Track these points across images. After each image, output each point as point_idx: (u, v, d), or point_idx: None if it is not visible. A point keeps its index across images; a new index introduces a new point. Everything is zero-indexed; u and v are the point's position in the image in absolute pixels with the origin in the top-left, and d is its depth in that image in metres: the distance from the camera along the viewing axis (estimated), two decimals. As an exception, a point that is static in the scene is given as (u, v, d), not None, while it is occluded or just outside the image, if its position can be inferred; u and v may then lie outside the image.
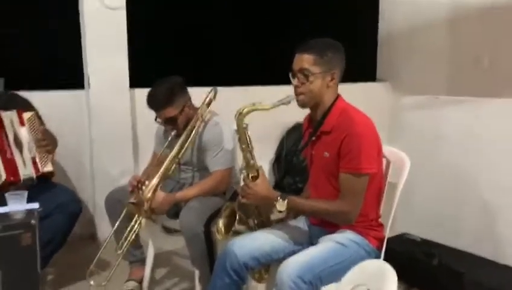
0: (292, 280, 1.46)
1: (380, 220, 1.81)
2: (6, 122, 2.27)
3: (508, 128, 2.44)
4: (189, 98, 2.24)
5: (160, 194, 2.05)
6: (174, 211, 2.18)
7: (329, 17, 4.00)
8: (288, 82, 1.76)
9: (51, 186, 2.38)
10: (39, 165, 2.32)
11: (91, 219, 3.17)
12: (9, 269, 1.56)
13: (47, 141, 2.37)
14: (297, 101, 1.72)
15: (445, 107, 2.80)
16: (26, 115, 2.36)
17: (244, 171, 1.81)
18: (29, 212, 1.59)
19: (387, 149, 1.83)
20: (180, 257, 2.82)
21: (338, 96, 1.75)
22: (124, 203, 2.07)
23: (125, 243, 2.08)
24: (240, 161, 1.97)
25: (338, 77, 1.73)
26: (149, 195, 2.01)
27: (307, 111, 1.83)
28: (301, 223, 1.86)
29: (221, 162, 2.18)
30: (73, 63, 3.08)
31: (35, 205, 1.63)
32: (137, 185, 2.05)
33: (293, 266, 1.50)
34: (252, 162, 1.79)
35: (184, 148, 2.13)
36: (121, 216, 2.10)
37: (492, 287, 2.22)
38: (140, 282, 2.39)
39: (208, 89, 2.27)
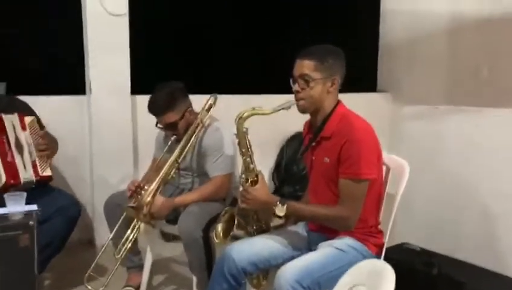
0: (290, 284, 1.46)
1: (379, 227, 1.81)
2: (8, 126, 2.28)
3: (508, 138, 2.45)
4: (190, 104, 2.24)
5: (160, 199, 2.05)
6: (173, 216, 2.17)
7: (331, 28, 4.04)
8: (288, 91, 1.76)
9: (50, 190, 2.38)
10: (39, 169, 2.33)
11: (90, 225, 3.16)
12: (7, 270, 1.55)
13: (47, 146, 2.38)
14: (298, 106, 1.73)
15: (445, 116, 2.81)
16: (28, 119, 2.37)
17: (243, 175, 1.81)
18: (28, 213, 1.58)
19: (387, 156, 1.83)
20: (178, 263, 2.80)
21: (338, 102, 1.76)
22: (123, 207, 2.07)
23: (124, 248, 2.07)
24: (240, 168, 1.97)
25: (338, 83, 1.73)
26: (148, 199, 2.00)
27: (307, 118, 1.84)
28: (300, 229, 1.85)
29: (221, 167, 2.18)
30: (75, 68, 3.10)
31: (34, 207, 1.62)
32: (135, 190, 2.05)
33: (291, 270, 1.50)
34: (251, 166, 1.79)
35: (184, 153, 2.13)
36: (120, 220, 2.09)
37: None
38: (138, 288, 2.37)
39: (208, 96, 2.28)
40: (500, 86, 3.71)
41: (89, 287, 2.11)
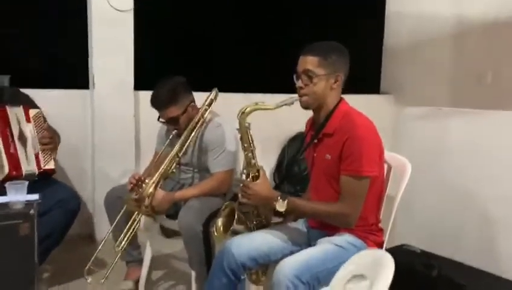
0: (289, 279, 1.45)
1: (379, 225, 1.80)
2: (12, 118, 2.29)
3: (510, 141, 2.45)
4: (193, 99, 2.25)
5: (160, 192, 2.05)
6: (173, 211, 2.18)
7: (334, 28, 4.04)
8: (290, 90, 1.76)
9: (51, 183, 2.38)
10: (41, 162, 2.33)
11: (90, 219, 3.17)
12: (7, 259, 1.55)
13: (51, 139, 2.39)
14: (301, 102, 1.72)
15: (448, 119, 2.81)
16: (32, 112, 2.38)
17: (245, 170, 1.81)
18: (29, 203, 1.59)
19: (388, 154, 1.83)
20: (178, 260, 2.80)
21: (341, 99, 1.76)
22: (125, 199, 2.07)
23: (124, 240, 2.07)
24: (241, 164, 1.97)
25: (342, 80, 1.73)
26: (150, 190, 2.00)
27: (309, 117, 1.83)
28: (300, 225, 1.85)
29: (222, 163, 2.18)
30: (79, 62, 3.11)
31: (35, 196, 1.63)
32: (137, 183, 2.05)
33: (290, 265, 1.49)
34: (253, 161, 1.79)
35: (185, 148, 2.13)
36: (121, 212, 2.09)
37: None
38: (137, 282, 2.37)
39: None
40: (504, 89, 3.70)
41: (89, 279, 2.11)
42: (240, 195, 1.75)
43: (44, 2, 3.24)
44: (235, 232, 1.82)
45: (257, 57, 4.05)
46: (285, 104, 1.73)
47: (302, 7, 4.28)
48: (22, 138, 2.29)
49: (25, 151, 2.29)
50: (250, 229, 1.84)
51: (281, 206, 1.66)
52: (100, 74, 3.06)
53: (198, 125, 2.17)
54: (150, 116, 2.32)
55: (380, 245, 1.74)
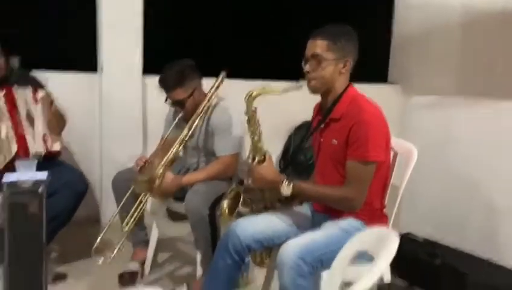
0: (293, 260, 1.46)
1: (384, 210, 1.81)
2: (20, 99, 2.31)
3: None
4: (200, 83, 2.26)
5: (170, 175, 2.08)
6: (181, 194, 2.19)
7: (343, 16, 4.00)
8: (297, 77, 1.76)
9: (58, 165, 2.40)
10: (48, 143, 2.36)
11: (97, 202, 3.20)
12: (16, 235, 1.58)
13: (58, 121, 2.40)
14: (309, 86, 1.73)
15: (455, 108, 2.80)
16: (40, 93, 2.39)
17: (251, 154, 1.82)
18: (37, 181, 1.61)
19: (395, 140, 1.83)
20: (184, 243, 2.84)
21: (349, 85, 1.76)
22: (135, 179, 2.08)
23: (131, 220, 2.09)
24: (247, 149, 1.99)
25: (351, 64, 1.73)
26: (160, 171, 2.02)
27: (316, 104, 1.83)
28: (305, 209, 1.87)
29: (228, 147, 2.19)
30: (88, 46, 3.12)
31: (44, 175, 1.65)
32: (144, 165, 2.07)
33: (294, 246, 1.51)
34: (259, 145, 1.80)
35: (192, 130, 2.14)
36: (128, 193, 2.12)
37: (495, 289, 2.21)
38: (143, 263, 2.41)
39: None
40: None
41: (101, 260, 2.14)
42: (246, 178, 1.76)
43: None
44: (241, 215, 1.83)
45: (266, 43, 4.03)
46: (293, 89, 1.73)
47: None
48: (30, 119, 2.32)
49: (32, 132, 2.31)
50: (255, 213, 1.86)
51: (286, 189, 1.67)
52: (108, 57, 3.07)
53: (205, 109, 2.18)
54: (158, 101, 2.34)
55: (384, 230, 1.75)
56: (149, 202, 2.29)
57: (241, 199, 1.82)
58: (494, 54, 3.81)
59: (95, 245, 2.15)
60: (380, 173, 1.70)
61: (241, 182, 2.13)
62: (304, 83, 1.73)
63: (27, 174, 1.62)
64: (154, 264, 2.49)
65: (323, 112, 1.80)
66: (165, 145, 2.24)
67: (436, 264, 2.38)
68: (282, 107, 3.34)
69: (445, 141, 2.82)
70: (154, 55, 3.25)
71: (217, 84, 2.20)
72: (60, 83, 2.80)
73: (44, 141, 2.34)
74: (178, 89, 2.15)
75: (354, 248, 1.06)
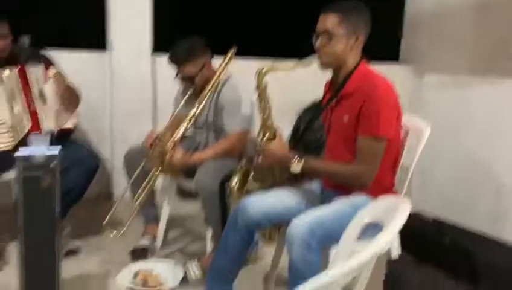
0: (302, 235, 1.47)
1: (394, 188, 1.80)
2: (32, 77, 2.32)
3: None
4: (210, 59, 2.25)
5: (180, 150, 2.09)
6: (191, 172, 2.21)
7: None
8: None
9: (69, 143, 2.42)
10: (61, 121, 2.37)
11: (108, 180, 3.23)
12: (30, 209, 1.60)
13: (70, 98, 2.41)
14: (320, 62, 1.71)
15: (469, 88, 2.76)
16: (52, 71, 2.40)
17: (261, 131, 1.82)
18: (50, 155, 1.63)
19: (406, 117, 1.81)
20: (194, 221, 2.86)
21: (361, 60, 1.73)
22: (147, 152, 2.08)
23: (143, 195, 2.12)
24: (256, 127, 1.98)
25: (362, 40, 1.71)
26: (172, 145, 2.04)
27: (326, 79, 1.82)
28: (315, 186, 1.87)
29: (237, 123, 2.19)
30: (98, 24, 3.11)
31: (56, 150, 1.66)
32: (154, 140, 2.09)
33: (304, 222, 1.51)
34: (269, 122, 1.80)
35: (202, 106, 2.14)
36: (139, 168, 2.14)
37: (504, 269, 2.20)
38: (154, 239, 2.44)
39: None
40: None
41: (113, 233, 2.18)
42: (256, 155, 1.76)
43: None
44: (250, 192, 1.84)
45: (276, 20, 3.99)
46: (304, 65, 1.72)
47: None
48: (42, 97, 2.33)
49: (45, 110, 2.33)
50: (264, 190, 1.86)
51: (296, 166, 1.67)
52: (119, 36, 3.06)
53: (214, 85, 2.17)
54: (168, 79, 2.33)
55: (394, 208, 1.74)
56: (160, 180, 2.31)
57: (251, 176, 1.82)
58: (509, 32, 3.72)
59: (106, 219, 2.18)
60: (391, 149, 1.68)
61: (250, 159, 2.13)
62: (314, 59, 1.71)
63: (40, 149, 1.64)
64: (165, 240, 2.52)
65: (334, 88, 1.78)
66: (175, 121, 2.25)
67: (446, 243, 2.39)
68: (291, 87, 3.32)
69: (458, 121, 2.79)
70: (164, 34, 3.23)
71: (226, 60, 2.19)
72: (70, 62, 2.79)
73: (56, 118, 2.36)
74: (188, 63, 2.15)
75: (364, 219, 1.05)
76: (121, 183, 2.81)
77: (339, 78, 1.74)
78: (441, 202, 2.76)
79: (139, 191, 2.14)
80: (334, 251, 1.51)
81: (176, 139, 2.06)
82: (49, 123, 2.32)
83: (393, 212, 0.82)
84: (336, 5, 1.67)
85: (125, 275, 1.78)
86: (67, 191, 2.25)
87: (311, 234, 1.47)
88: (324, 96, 1.89)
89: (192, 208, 2.92)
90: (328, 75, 1.83)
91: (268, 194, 1.79)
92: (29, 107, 2.29)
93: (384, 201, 1.06)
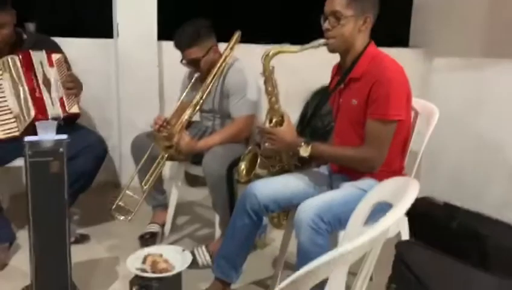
0: (311, 218, 1.46)
1: (403, 172, 1.78)
2: (36, 62, 2.32)
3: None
4: (215, 43, 2.23)
5: (186, 135, 2.08)
6: (198, 158, 2.20)
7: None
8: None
9: (77, 129, 2.42)
10: (66, 106, 2.37)
11: (116, 168, 3.25)
12: (39, 195, 1.61)
13: (74, 84, 2.41)
14: (328, 45, 1.68)
15: (480, 71, 2.70)
16: (55, 56, 2.40)
17: (268, 116, 1.80)
18: (58, 141, 1.63)
19: (416, 100, 1.78)
20: (202, 207, 2.88)
21: (370, 42, 1.70)
22: (155, 134, 2.08)
23: (151, 180, 2.12)
24: (263, 111, 1.97)
25: (371, 21, 1.67)
26: (179, 129, 2.03)
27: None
28: (323, 170, 1.85)
29: (244, 108, 2.17)
30: (104, 11, 3.09)
31: (64, 136, 1.66)
32: (162, 124, 2.08)
33: (312, 205, 1.50)
34: (276, 106, 1.78)
35: (208, 90, 2.13)
36: (147, 153, 2.14)
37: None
38: (163, 226, 2.46)
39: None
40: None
41: (121, 217, 2.18)
42: (263, 140, 1.75)
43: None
44: (258, 177, 1.83)
45: (281, 7, 3.95)
46: (311, 47, 1.69)
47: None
48: (46, 82, 2.33)
49: (50, 95, 2.32)
50: (272, 174, 1.86)
51: (304, 151, 1.66)
52: (124, 23, 3.04)
53: (220, 69, 2.15)
54: (174, 66, 2.32)
55: (403, 192, 1.72)
56: (168, 167, 2.31)
57: (259, 161, 1.81)
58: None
59: (115, 205, 2.19)
60: (401, 132, 1.66)
61: (258, 144, 2.12)
62: (322, 42, 1.68)
63: (48, 135, 1.64)
64: (174, 226, 2.54)
65: (342, 71, 1.76)
66: (181, 107, 2.23)
67: (456, 227, 2.36)
68: (298, 73, 3.29)
69: (469, 104, 2.74)
70: (169, 21, 3.21)
71: (231, 44, 2.16)
72: (76, 49, 2.80)
73: (62, 103, 2.36)
74: (193, 47, 2.13)
75: (373, 199, 1.04)
76: (128, 171, 2.81)
77: (347, 61, 1.71)
78: (450, 186, 2.73)
79: (148, 176, 2.14)
80: (343, 234, 1.50)
81: (183, 121, 2.05)
82: (54, 108, 2.32)
83: (402, 193, 0.81)
84: (344, -14, 1.63)
85: (134, 260, 1.79)
86: (76, 178, 2.26)
87: (320, 218, 1.46)
88: (332, 80, 1.87)
89: (200, 194, 2.93)
90: (335, 59, 1.80)
91: (276, 178, 1.78)
92: (34, 93, 2.29)
93: (393, 181, 1.04)
